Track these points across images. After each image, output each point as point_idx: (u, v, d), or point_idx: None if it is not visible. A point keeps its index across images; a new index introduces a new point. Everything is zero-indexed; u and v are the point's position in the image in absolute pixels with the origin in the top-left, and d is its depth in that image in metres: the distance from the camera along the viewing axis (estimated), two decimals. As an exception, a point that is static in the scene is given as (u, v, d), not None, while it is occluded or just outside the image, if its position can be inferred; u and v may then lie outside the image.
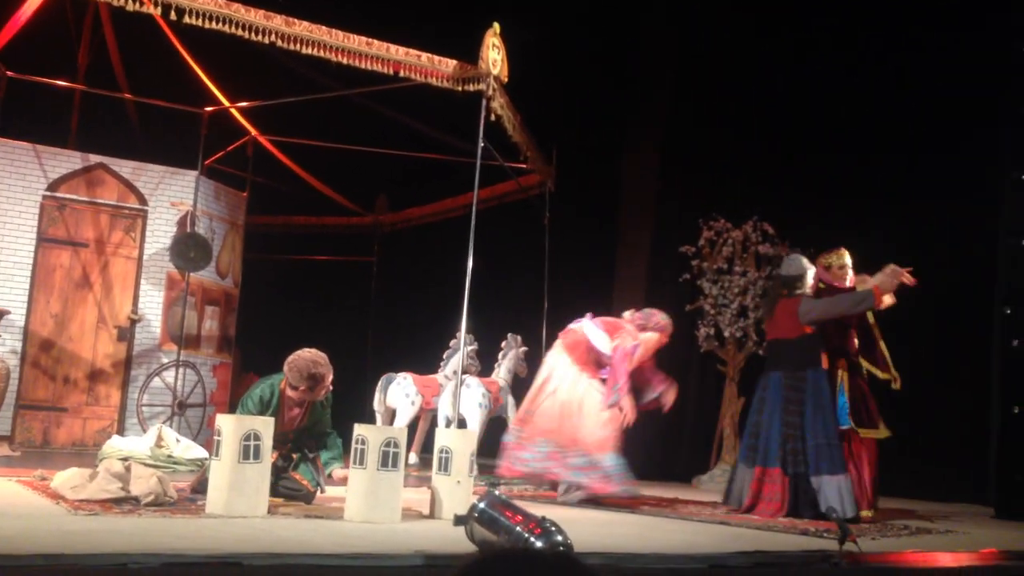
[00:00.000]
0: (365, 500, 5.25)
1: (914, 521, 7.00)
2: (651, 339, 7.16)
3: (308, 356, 5.71)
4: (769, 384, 6.84)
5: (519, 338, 9.59)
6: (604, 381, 6.98)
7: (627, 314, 7.34)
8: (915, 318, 8.10)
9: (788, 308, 6.84)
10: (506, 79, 7.83)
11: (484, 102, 7.67)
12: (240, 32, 6.93)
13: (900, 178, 9.34)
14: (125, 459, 6.08)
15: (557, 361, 7.09)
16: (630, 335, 7.01)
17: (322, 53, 7.23)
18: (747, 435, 6.93)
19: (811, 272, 6.97)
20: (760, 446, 6.73)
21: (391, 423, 9.06)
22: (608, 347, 6.94)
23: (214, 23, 6.82)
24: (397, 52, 7.46)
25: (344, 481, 5.66)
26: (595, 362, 7.05)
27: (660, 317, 7.27)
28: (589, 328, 7.02)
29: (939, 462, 8.64)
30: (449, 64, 7.62)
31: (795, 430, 6.60)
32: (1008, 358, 8.12)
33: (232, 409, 7.67)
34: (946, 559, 5.20)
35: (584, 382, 6.95)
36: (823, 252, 7.21)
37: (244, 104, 10.62)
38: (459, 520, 4.41)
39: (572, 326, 7.16)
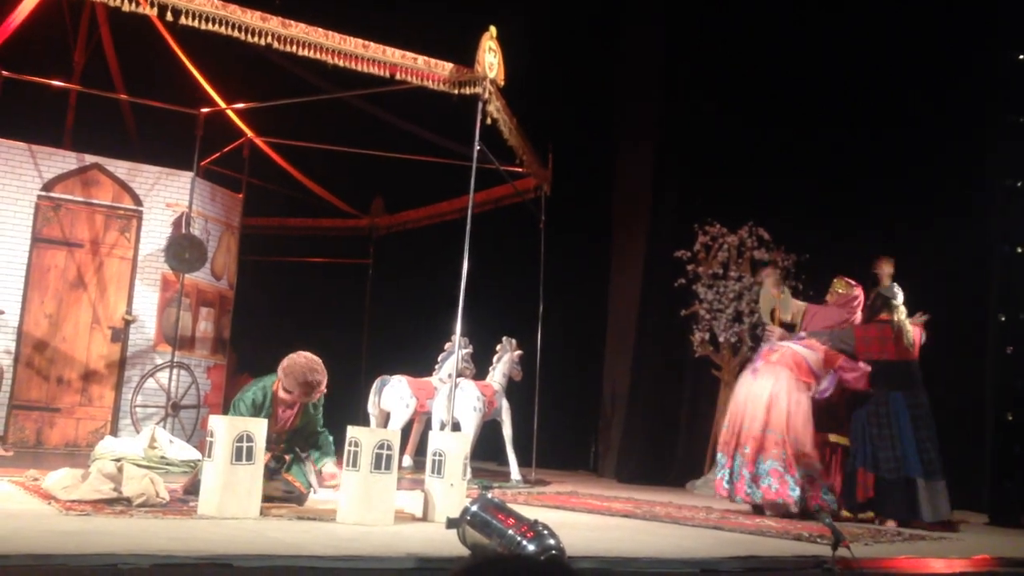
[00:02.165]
0: (358, 502, 5.24)
1: (907, 527, 7.00)
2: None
3: (303, 362, 5.68)
4: (889, 401, 7.35)
5: (514, 342, 9.58)
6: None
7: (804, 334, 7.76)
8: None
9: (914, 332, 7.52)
10: (502, 82, 7.83)
11: (480, 105, 7.66)
12: (236, 34, 6.92)
13: (894, 185, 9.35)
14: (118, 460, 6.06)
15: (774, 380, 7.31)
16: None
17: (318, 55, 7.21)
18: (885, 447, 7.30)
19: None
20: (909, 456, 7.24)
21: (385, 426, 9.05)
22: (820, 364, 7.38)
23: (210, 24, 6.81)
24: (393, 55, 7.45)
25: (332, 478, 5.66)
26: (813, 377, 7.42)
27: None
28: (803, 350, 7.40)
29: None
30: (445, 67, 7.61)
31: (931, 443, 7.32)
32: (1002, 365, 8.13)
33: (226, 411, 7.65)
34: (939, 565, 5.20)
35: (806, 398, 7.29)
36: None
37: (240, 105, 10.61)
38: (451, 523, 4.40)
39: (778, 346, 7.51)
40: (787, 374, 7.29)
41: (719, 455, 7.55)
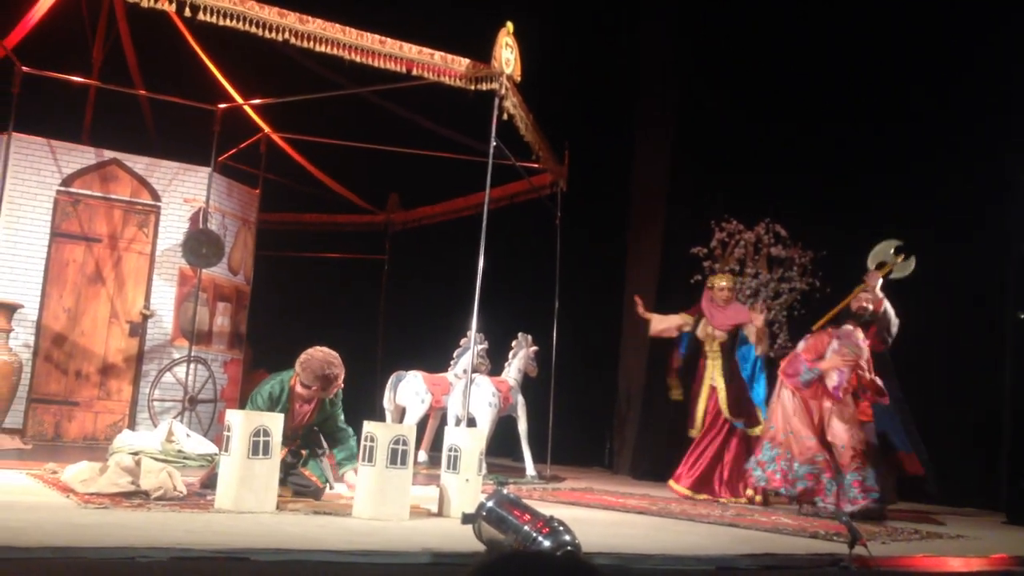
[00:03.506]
0: (373, 497, 5.25)
1: (924, 525, 6.97)
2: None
3: (321, 356, 5.70)
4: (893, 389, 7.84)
5: (530, 337, 9.58)
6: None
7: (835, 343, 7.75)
8: (927, 322, 8.07)
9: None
10: (519, 78, 7.82)
11: (497, 101, 7.66)
12: (254, 29, 6.94)
13: (911, 183, 9.29)
14: (135, 453, 6.11)
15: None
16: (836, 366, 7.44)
17: (335, 51, 7.23)
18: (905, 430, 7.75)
19: None
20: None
21: (401, 421, 9.07)
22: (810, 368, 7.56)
23: (228, 20, 6.83)
24: (410, 51, 7.46)
25: (351, 488, 5.65)
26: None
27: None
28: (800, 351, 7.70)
29: (951, 467, 8.61)
30: (462, 63, 7.61)
31: None
32: (1021, 363, 8.09)
33: (242, 405, 7.68)
34: (956, 564, 5.18)
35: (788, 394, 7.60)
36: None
37: (257, 101, 10.64)
38: (467, 518, 4.40)
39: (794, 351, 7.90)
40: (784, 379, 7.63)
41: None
